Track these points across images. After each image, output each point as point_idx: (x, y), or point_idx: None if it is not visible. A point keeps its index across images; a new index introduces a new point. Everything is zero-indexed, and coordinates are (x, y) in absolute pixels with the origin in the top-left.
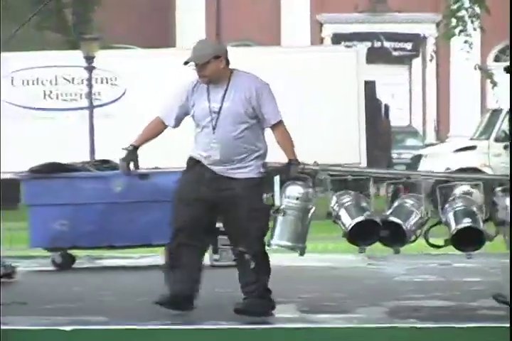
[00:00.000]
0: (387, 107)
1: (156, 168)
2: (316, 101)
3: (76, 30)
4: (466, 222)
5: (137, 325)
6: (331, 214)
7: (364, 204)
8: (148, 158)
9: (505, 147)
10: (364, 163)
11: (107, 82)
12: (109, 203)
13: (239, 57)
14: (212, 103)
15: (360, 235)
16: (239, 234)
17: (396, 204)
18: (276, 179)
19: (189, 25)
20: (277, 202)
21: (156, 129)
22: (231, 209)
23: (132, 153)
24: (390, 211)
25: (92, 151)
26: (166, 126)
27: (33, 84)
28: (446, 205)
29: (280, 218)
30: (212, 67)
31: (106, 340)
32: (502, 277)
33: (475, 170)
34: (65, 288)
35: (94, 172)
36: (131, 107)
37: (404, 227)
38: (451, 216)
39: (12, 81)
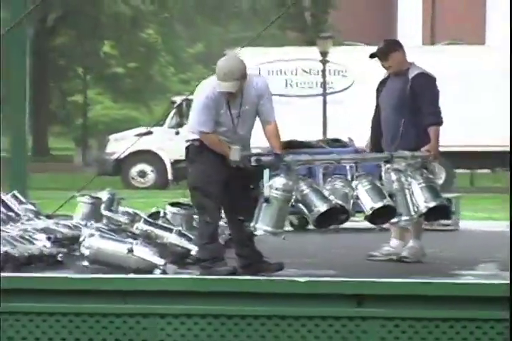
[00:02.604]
0: None
1: None
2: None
3: (313, 30)
4: (386, 201)
5: (361, 278)
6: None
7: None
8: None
9: None
10: None
11: (338, 74)
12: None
13: (448, 53)
14: (232, 109)
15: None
16: None
17: (329, 186)
18: (266, 171)
19: (408, 26)
20: (266, 192)
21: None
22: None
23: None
24: (329, 193)
25: (325, 131)
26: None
27: (277, 74)
28: (356, 182)
29: (264, 205)
30: (240, 87)
31: (334, 291)
32: None
33: None
34: (300, 246)
35: (327, 148)
36: (358, 95)
37: (348, 209)
38: (363, 193)
39: (259, 72)
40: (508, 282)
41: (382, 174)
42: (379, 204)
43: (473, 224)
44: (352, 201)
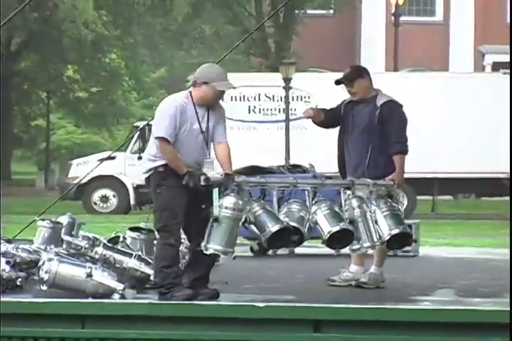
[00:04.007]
0: None
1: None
2: (476, 117)
3: (276, 56)
4: (343, 225)
5: (319, 303)
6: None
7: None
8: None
9: None
10: None
11: (301, 100)
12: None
13: (413, 80)
14: (199, 124)
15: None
16: None
17: (285, 210)
18: (215, 191)
19: (371, 52)
20: (215, 211)
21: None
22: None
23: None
24: (284, 216)
25: (287, 157)
26: None
27: (240, 100)
28: (315, 207)
29: (214, 225)
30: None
31: (292, 316)
32: None
33: None
34: (260, 271)
35: (287, 174)
36: None
37: (302, 231)
38: (321, 217)
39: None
40: (464, 308)
41: (342, 200)
42: (336, 228)
43: (433, 250)
44: (308, 224)
